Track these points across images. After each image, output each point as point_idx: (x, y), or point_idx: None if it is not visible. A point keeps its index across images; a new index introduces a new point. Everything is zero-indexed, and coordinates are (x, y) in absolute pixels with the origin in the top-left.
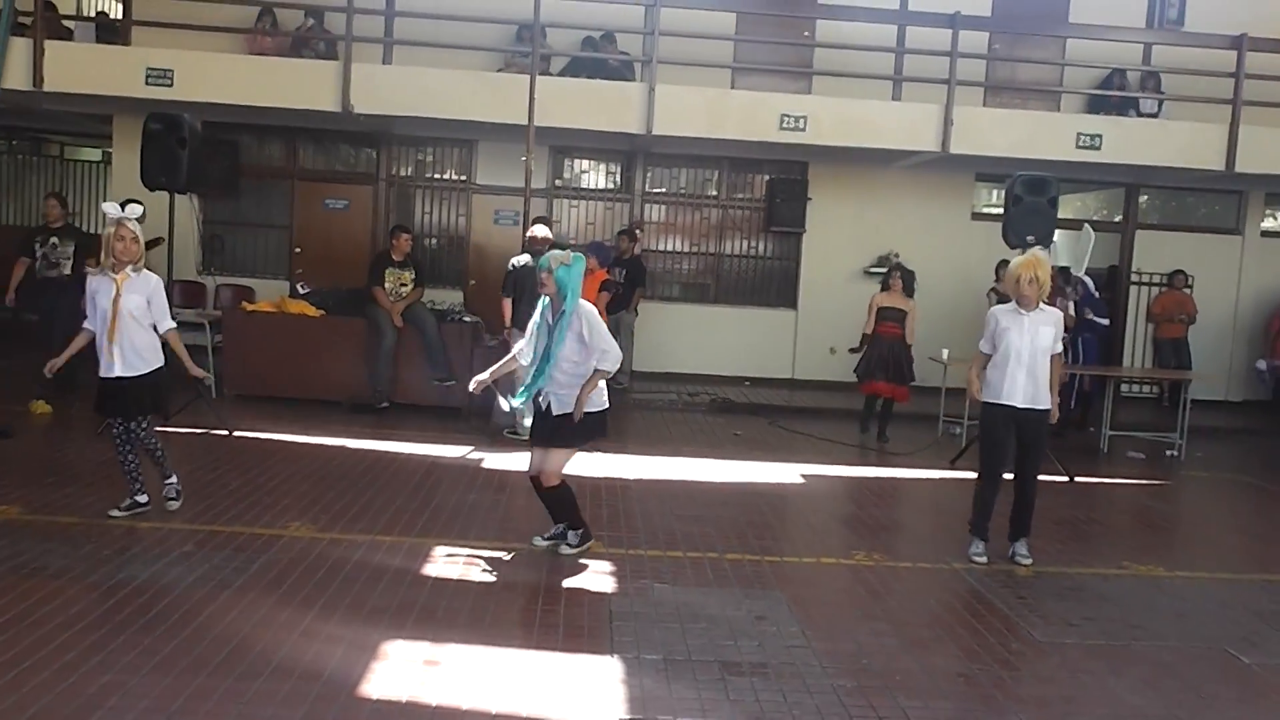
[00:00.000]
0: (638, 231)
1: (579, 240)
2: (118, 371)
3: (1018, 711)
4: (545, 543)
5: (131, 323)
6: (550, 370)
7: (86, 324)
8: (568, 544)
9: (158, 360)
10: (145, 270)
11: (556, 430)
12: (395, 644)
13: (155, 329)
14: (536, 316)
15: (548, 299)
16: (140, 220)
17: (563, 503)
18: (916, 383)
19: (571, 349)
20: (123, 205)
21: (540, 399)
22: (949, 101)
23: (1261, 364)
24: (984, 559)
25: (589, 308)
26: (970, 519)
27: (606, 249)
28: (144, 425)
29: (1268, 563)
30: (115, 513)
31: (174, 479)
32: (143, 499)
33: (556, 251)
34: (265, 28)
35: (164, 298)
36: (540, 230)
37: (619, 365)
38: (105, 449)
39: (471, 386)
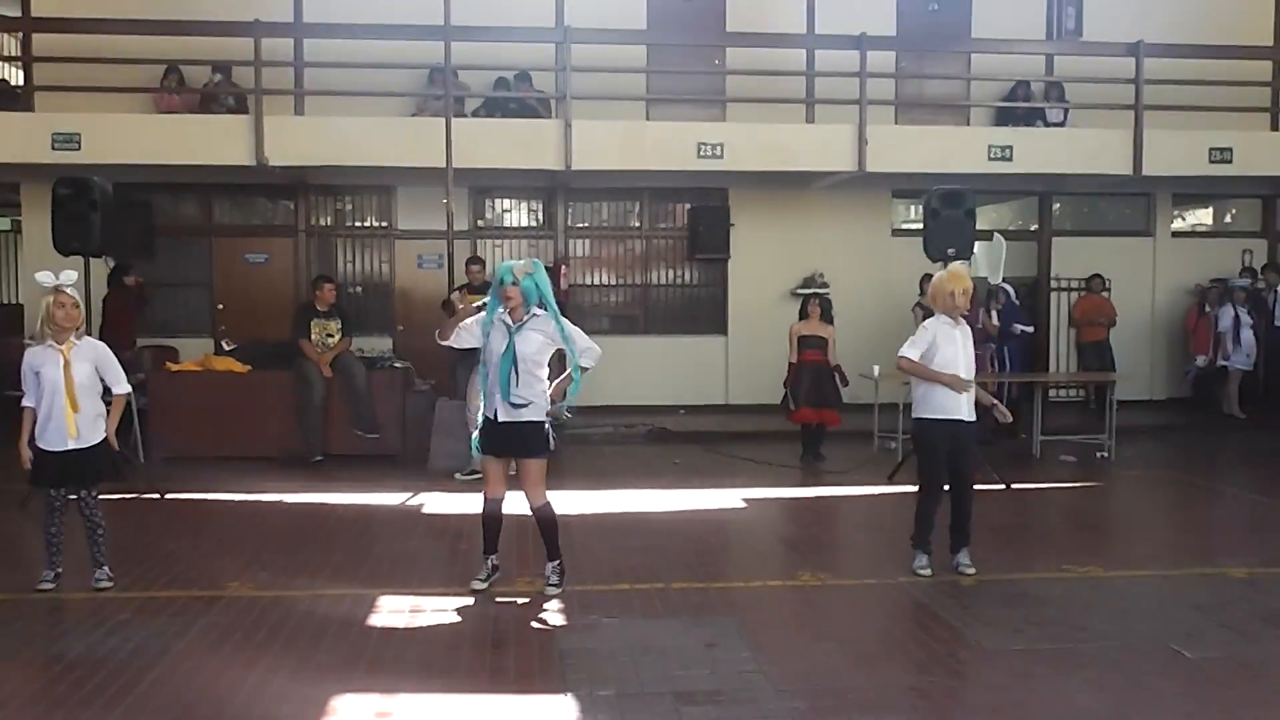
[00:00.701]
0: (563, 268)
1: None
2: (71, 444)
3: None
4: (484, 584)
5: (83, 393)
6: (517, 377)
7: (26, 401)
8: (552, 584)
9: (102, 429)
10: (87, 337)
11: (526, 441)
12: (345, 698)
13: (102, 396)
14: (484, 330)
15: (499, 310)
16: (74, 285)
17: (554, 525)
18: (848, 401)
19: (537, 353)
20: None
21: (493, 412)
22: (861, 121)
23: (1200, 360)
24: (928, 571)
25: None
26: (912, 533)
27: None
28: (94, 495)
29: (1203, 556)
30: (45, 587)
31: (106, 569)
32: (53, 571)
33: (513, 262)
34: (172, 85)
35: (114, 360)
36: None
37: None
38: (29, 522)
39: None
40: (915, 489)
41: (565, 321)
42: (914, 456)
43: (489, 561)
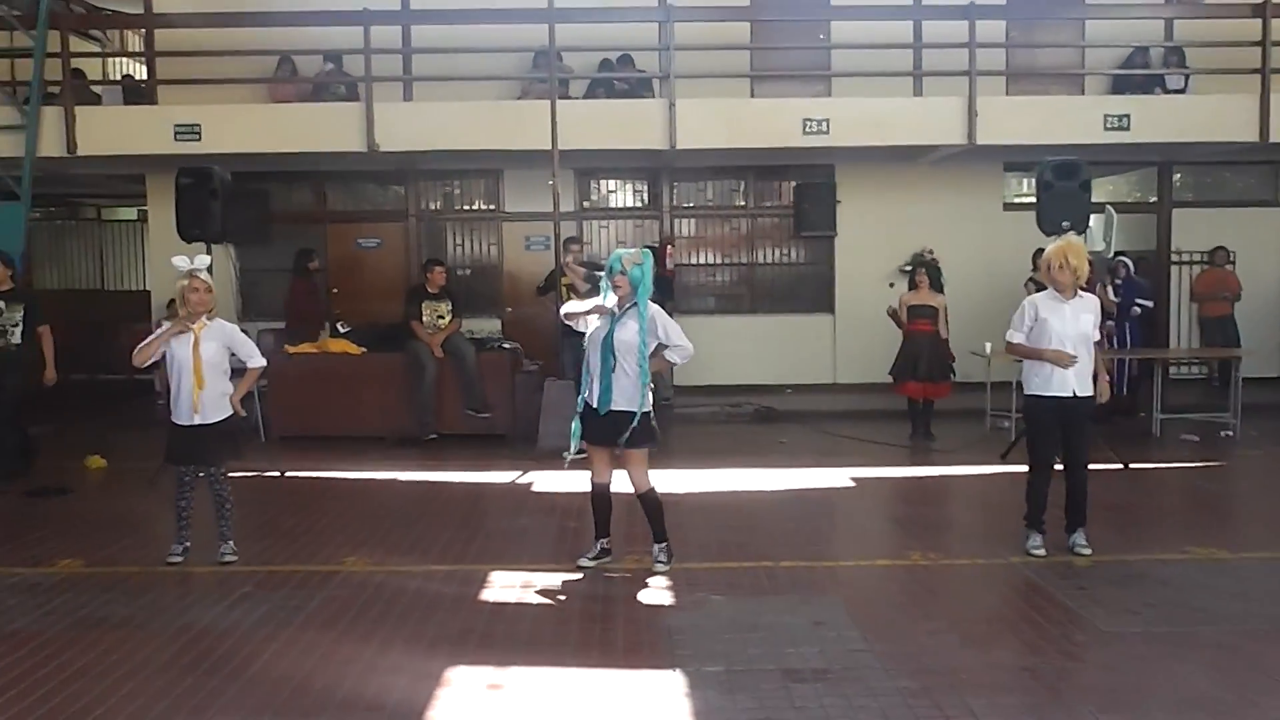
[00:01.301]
0: (669, 248)
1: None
2: (197, 420)
3: (1085, 702)
4: (591, 563)
5: (210, 370)
6: (614, 364)
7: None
8: (660, 563)
9: (227, 408)
10: (218, 318)
11: (622, 431)
12: (457, 671)
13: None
14: (596, 319)
15: (609, 296)
16: (209, 270)
17: (660, 509)
18: (958, 378)
19: (639, 345)
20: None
21: (594, 400)
22: (971, 93)
23: None
24: (1042, 551)
25: (657, 307)
26: (1025, 513)
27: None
28: (223, 472)
29: None
30: (174, 560)
31: (231, 543)
32: (183, 544)
33: (624, 250)
34: (286, 76)
35: (244, 338)
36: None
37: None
38: (159, 499)
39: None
40: (1027, 468)
41: (663, 315)
42: (1026, 434)
43: (599, 544)
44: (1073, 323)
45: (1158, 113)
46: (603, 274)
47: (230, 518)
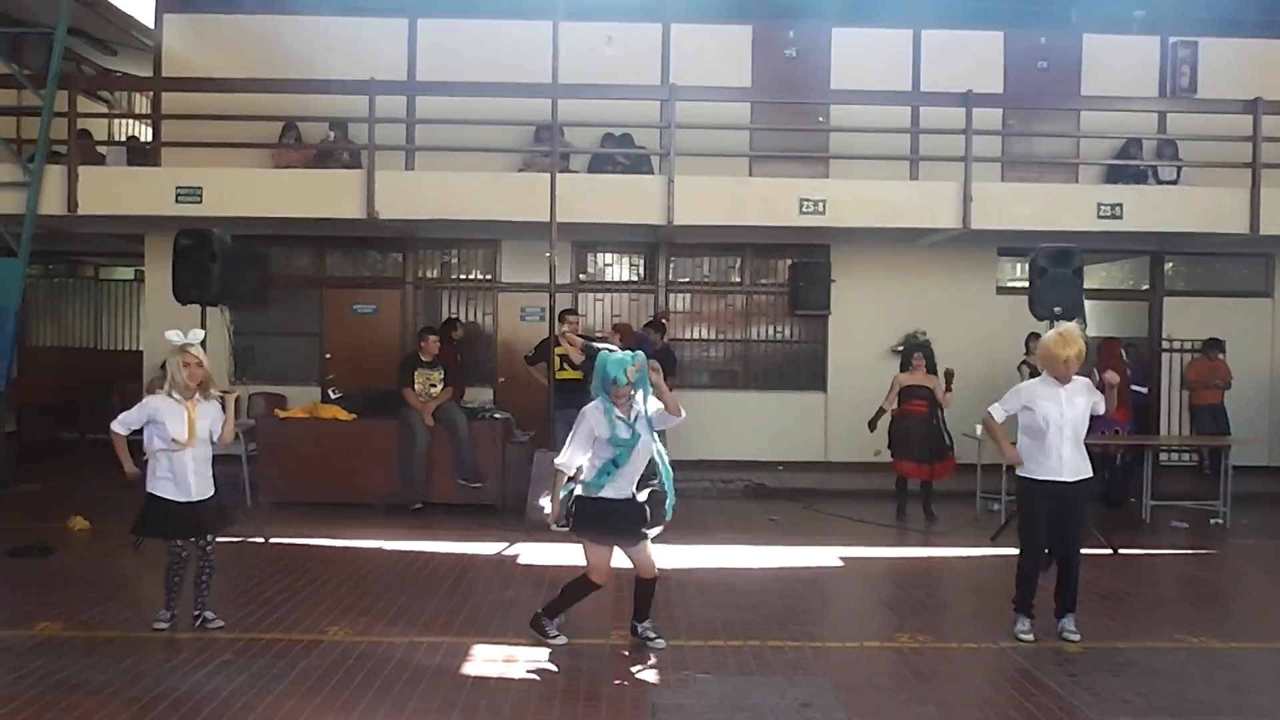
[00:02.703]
0: (664, 321)
1: (604, 332)
2: (195, 496)
3: None
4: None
5: (202, 447)
6: (665, 469)
7: (116, 428)
8: (656, 636)
9: (212, 483)
10: (211, 400)
11: (649, 518)
12: None
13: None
14: (606, 429)
15: (614, 408)
16: (203, 344)
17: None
18: (957, 458)
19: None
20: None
21: (623, 498)
22: (967, 178)
23: None
24: (1030, 636)
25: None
26: (1014, 596)
27: (650, 342)
28: (214, 540)
29: None
30: (160, 626)
31: (210, 611)
32: (171, 612)
33: (619, 356)
34: (290, 142)
35: (219, 423)
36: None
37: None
38: (142, 562)
39: (553, 527)
40: (1017, 551)
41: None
42: (1018, 517)
43: (554, 622)
44: (1069, 407)
45: (1150, 203)
46: (602, 386)
47: (209, 587)
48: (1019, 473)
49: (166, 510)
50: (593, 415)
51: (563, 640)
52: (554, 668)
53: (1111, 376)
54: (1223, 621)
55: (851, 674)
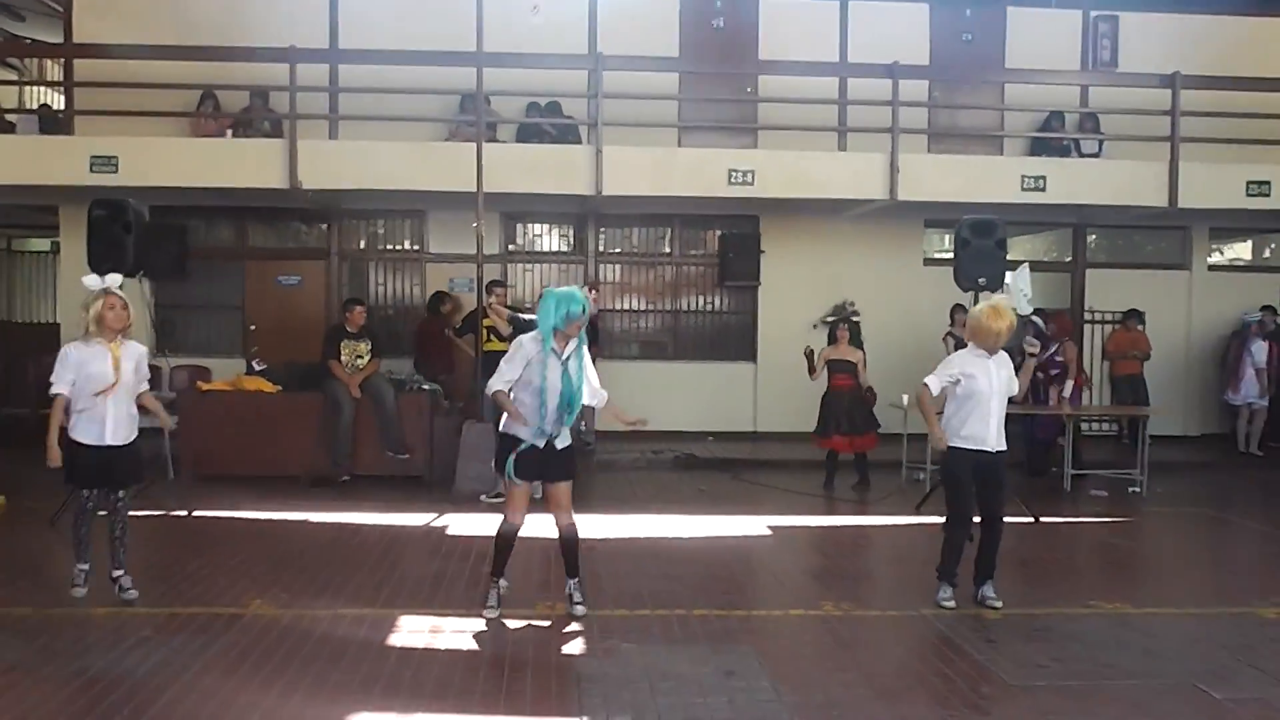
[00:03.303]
0: (593, 293)
1: (533, 304)
2: (110, 440)
3: None
4: (495, 613)
5: (125, 390)
6: (575, 405)
7: (58, 389)
8: (578, 602)
9: (137, 430)
10: (132, 340)
11: (565, 465)
12: (360, 718)
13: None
14: (538, 357)
15: (552, 340)
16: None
17: (578, 543)
18: (882, 429)
19: (586, 384)
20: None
21: (541, 440)
22: (894, 150)
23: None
24: (952, 603)
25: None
26: (939, 565)
27: None
28: (129, 496)
29: (1234, 596)
30: (78, 591)
31: (123, 571)
32: (85, 565)
33: (576, 290)
34: (208, 110)
35: (146, 364)
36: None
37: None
38: (58, 539)
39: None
40: (942, 520)
41: (587, 355)
42: (943, 486)
43: (499, 585)
44: (997, 378)
45: (1072, 175)
46: (558, 316)
47: (124, 544)
48: (950, 443)
49: (77, 454)
50: (530, 345)
51: (495, 613)
52: (478, 640)
53: (1031, 345)
54: (1137, 588)
55: (776, 642)
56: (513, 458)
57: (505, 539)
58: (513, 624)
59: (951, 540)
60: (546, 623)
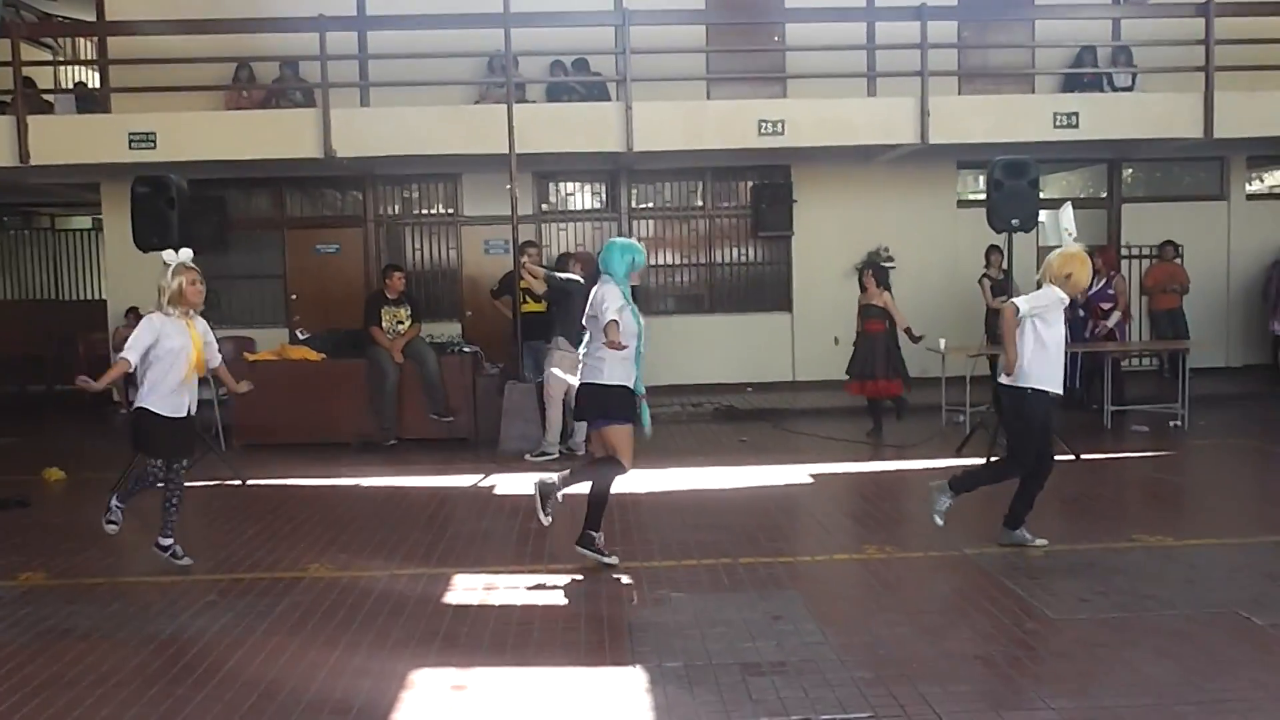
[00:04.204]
0: None
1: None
2: (186, 412)
3: (1037, 688)
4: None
5: (198, 365)
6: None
7: (128, 355)
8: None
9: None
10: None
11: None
12: (421, 673)
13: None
14: (629, 300)
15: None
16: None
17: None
18: (916, 375)
19: None
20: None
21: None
22: (923, 93)
23: (1276, 327)
24: (1044, 541)
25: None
26: (1011, 512)
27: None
28: (187, 466)
29: (1276, 525)
30: (112, 529)
31: (173, 540)
32: (123, 506)
33: (630, 240)
34: (244, 81)
35: (213, 337)
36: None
37: None
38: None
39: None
40: (997, 465)
41: None
42: (1013, 431)
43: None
44: (1063, 325)
45: (1105, 111)
46: (624, 263)
47: (177, 514)
48: (1028, 383)
49: (157, 428)
50: (615, 293)
51: (615, 560)
52: (531, 594)
53: None
54: (1179, 520)
55: (821, 586)
56: (646, 407)
57: (606, 486)
58: (562, 579)
59: (1030, 488)
60: (596, 576)
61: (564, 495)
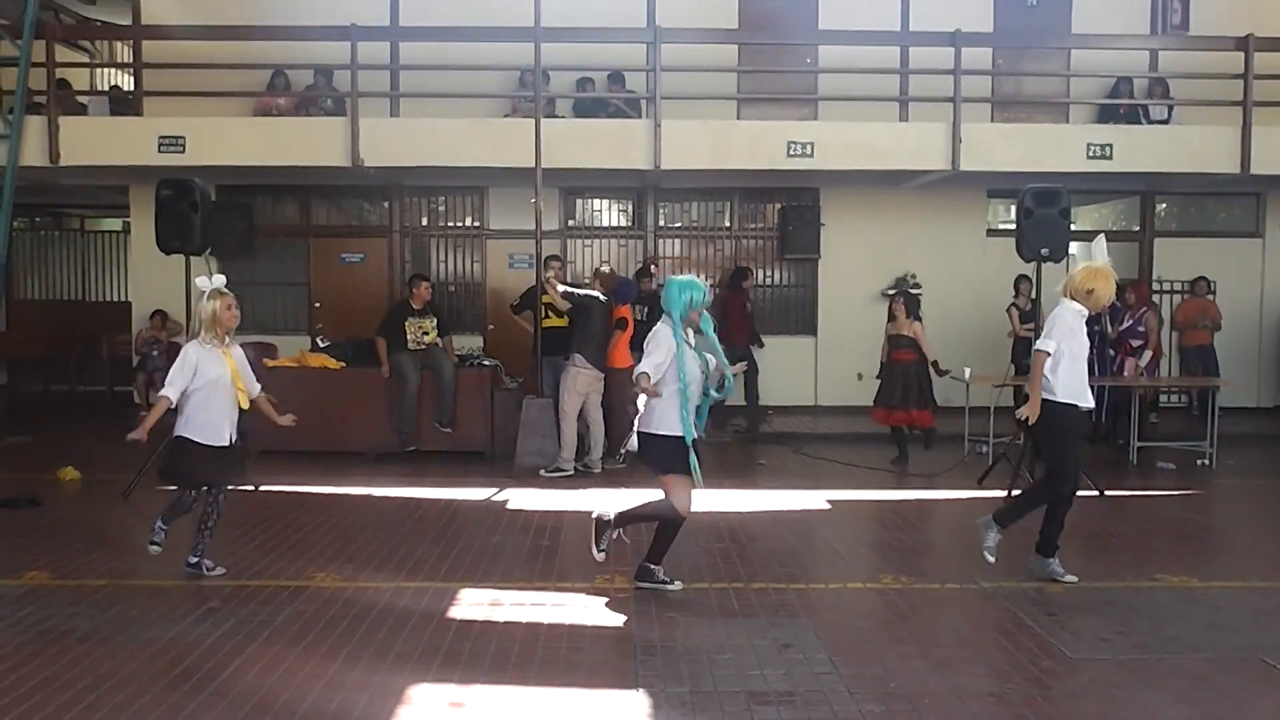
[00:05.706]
0: (653, 268)
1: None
2: (225, 440)
3: None
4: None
5: (233, 390)
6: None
7: (167, 392)
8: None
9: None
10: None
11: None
12: (420, 688)
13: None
14: (682, 343)
15: (687, 328)
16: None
17: None
18: (941, 403)
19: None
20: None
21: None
22: (955, 119)
23: None
24: (1074, 578)
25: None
26: (1043, 539)
27: (631, 285)
28: (225, 492)
29: None
30: (155, 549)
31: (200, 558)
32: (167, 527)
33: (696, 281)
34: (280, 88)
35: (248, 364)
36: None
37: None
38: (131, 511)
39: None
40: (1039, 486)
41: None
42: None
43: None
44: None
45: (1140, 143)
46: (681, 303)
47: (210, 537)
48: (1058, 397)
49: (195, 456)
50: (666, 333)
51: (678, 585)
52: (537, 612)
53: None
54: (1203, 561)
55: (834, 615)
56: (695, 459)
57: (672, 532)
58: (570, 597)
59: (1061, 508)
60: (604, 596)
61: (620, 534)
